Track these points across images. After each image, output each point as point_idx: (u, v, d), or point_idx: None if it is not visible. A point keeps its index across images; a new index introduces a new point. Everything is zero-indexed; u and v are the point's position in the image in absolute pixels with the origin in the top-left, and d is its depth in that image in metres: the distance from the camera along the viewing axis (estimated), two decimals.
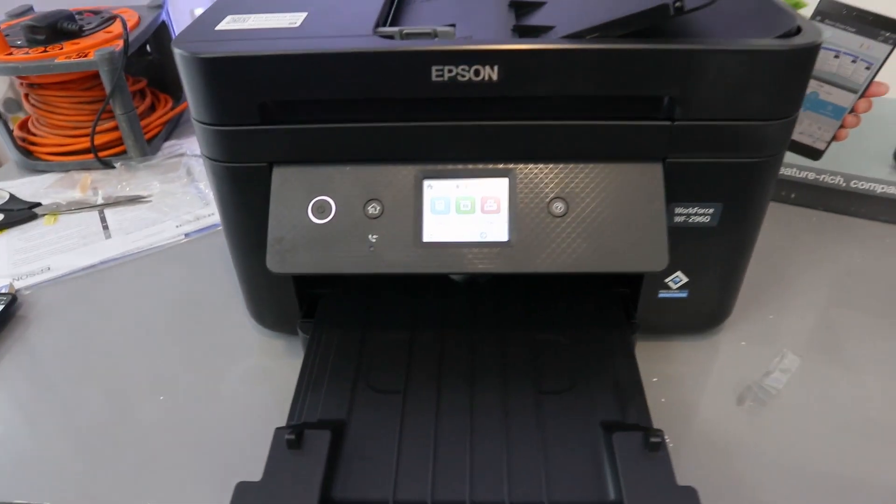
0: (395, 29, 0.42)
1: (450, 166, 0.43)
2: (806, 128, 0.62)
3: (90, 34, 0.75)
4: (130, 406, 0.50)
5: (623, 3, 0.40)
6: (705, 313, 0.52)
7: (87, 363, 0.54)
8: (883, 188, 0.63)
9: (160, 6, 0.84)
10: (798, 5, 0.57)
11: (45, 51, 0.72)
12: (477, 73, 0.39)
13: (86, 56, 0.71)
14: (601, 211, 0.42)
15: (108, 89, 0.72)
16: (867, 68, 0.58)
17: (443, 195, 0.43)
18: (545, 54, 0.38)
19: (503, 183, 0.43)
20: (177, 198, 0.72)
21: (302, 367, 0.47)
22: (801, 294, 0.58)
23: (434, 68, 0.39)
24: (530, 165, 0.43)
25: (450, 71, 0.39)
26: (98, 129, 0.76)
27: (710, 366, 0.52)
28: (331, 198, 0.43)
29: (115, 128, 0.77)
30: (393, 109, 0.41)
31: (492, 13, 0.47)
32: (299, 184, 0.43)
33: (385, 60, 0.39)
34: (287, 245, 0.43)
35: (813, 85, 0.60)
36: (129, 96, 0.74)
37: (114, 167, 0.76)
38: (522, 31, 0.43)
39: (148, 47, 0.87)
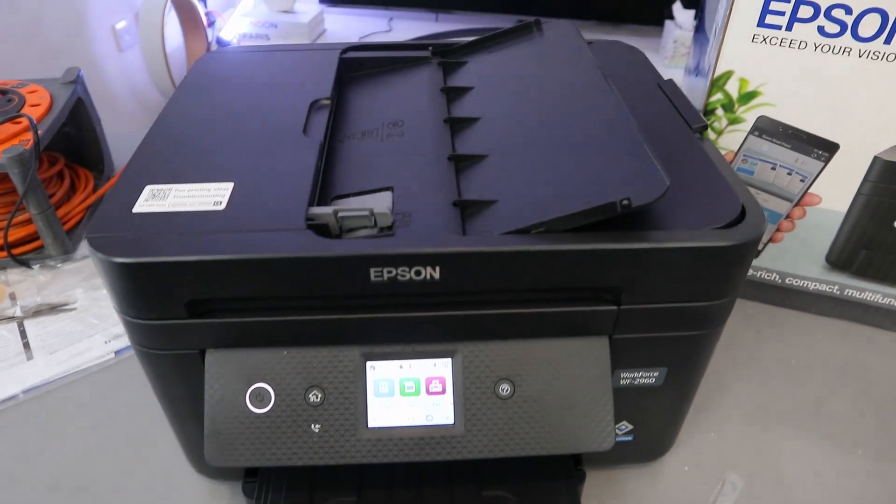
0: (329, 211, 0.40)
1: (393, 348, 0.42)
2: None
3: None
4: None
5: (568, 184, 0.39)
6: (649, 449, 0.52)
7: None
8: (815, 285, 0.65)
9: (75, 81, 0.78)
10: (736, 120, 0.57)
11: None
12: (418, 273, 0.37)
13: None
14: (547, 390, 0.42)
15: (20, 191, 0.67)
16: (801, 181, 0.59)
17: (386, 377, 0.42)
18: (488, 256, 0.37)
19: (447, 363, 0.42)
20: (103, 307, 0.67)
21: None
22: (741, 405, 0.59)
23: (373, 270, 0.37)
24: (475, 344, 0.42)
25: (389, 272, 0.37)
26: (12, 222, 0.70)
27: (655, 497, 0.52)
28: (269, 385, 0.41)
29: (31, 220, 0.72)
30: (331, 302, 0.39)
31: (430, 172, 0.45)
32: (235, 371, 0.41)
33: (320, 265, 0.37)
34: (225, 438, 0.41)
35: (752, 192, 0.61)
36: (45, 194, 0.69)
37: (31, 268, 0.71)
38: (464, 206, 0.41)
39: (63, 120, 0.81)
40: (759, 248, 0.64)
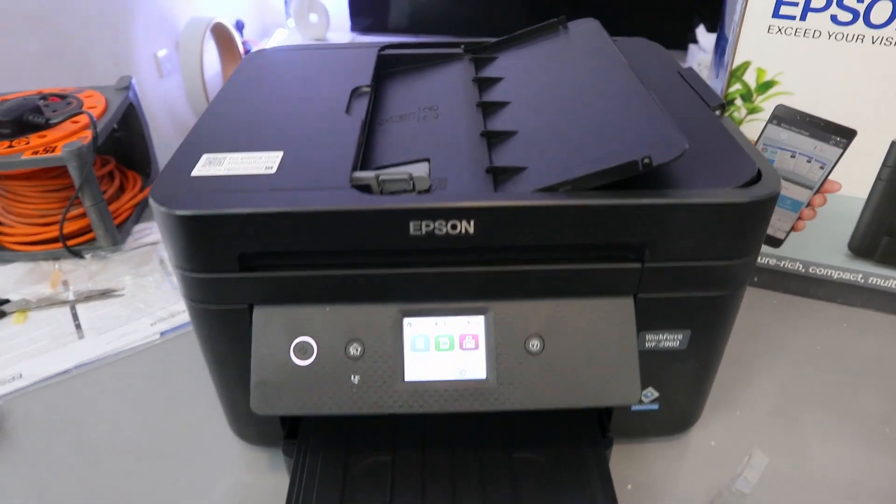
0: (371, 175, 0.43)
1: (429, 305, 0.44)
2: None
3: (56, 125, 0.74)
4: None
5: (593, 148, 0.42)
6: (675, 420, 0.53)
7: (62, 482, 0.53)
8: (839, 274, 0.66)
9: (127, 87, 0.84)
10: (755, 110, 0.59)
11: (10, 146, 0.71)
12: (454, 227, 0.40)
13: (53, 150, 0.70)
14: (575, 347, 0.44)
15: (76, 184, 0.71)
16: (821, 168, 0.61)
17: (422, 333, 0.44)
18: (519, 211, 0.40)
19: (480, 320, 0.44)
20: (150, 293, 0.71)
21: (288, 494, 0.48)
22: (765, 384, 0.60)
23: (412, 223, 0.40)
24: (507, 303, 0.44)
25: (427, 226, 0.40)
26: (67, 216, 0.75)
27: (681, 470, 0.53)
28: (312, 339, 0.44)
29: (84, 214, 0.76)
30: (371, 257, 0.42)
31: (464, 146, 0.48)
32: (280, 325, 0.44)
33: (362, 218, 0.40)
34: (270, 388, 0.44)
35: None
36: (98, 188, 0.74)
37: (83, 257, 0.75)
38: (497, 173, 0.44)
39: (115, 125, 0.86)
40: (782, 237, 0.66)
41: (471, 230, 0.40)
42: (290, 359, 0.44)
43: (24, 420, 0.59)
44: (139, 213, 0.84)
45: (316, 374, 0.44)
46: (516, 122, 0.50)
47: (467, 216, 0.39)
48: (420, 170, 0.45)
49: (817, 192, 0.62)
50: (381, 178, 0.43)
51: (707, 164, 0.43)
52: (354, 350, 0.44)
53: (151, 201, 0.41)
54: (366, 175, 0.43)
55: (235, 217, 0.40)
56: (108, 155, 0.86)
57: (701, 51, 1.94)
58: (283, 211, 0.39)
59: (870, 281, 0.65)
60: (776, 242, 0.66)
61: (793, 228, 0.65)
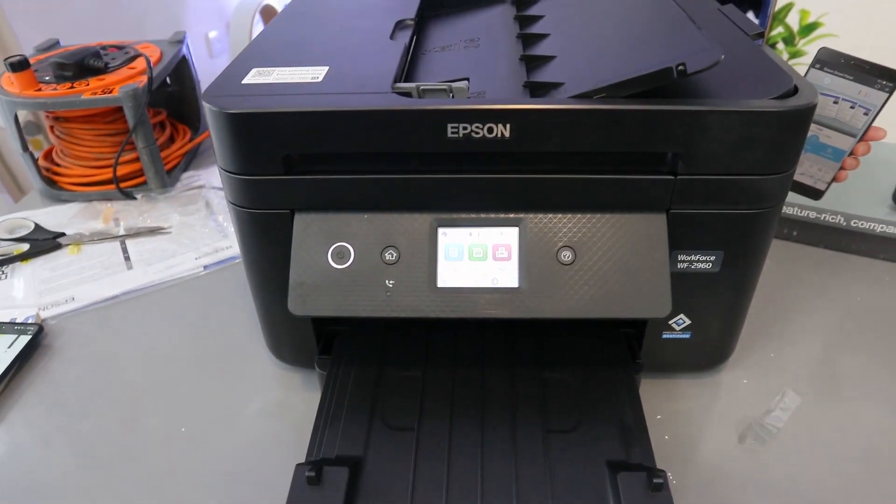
0: (412, 85, 0.44)
1: (463, 215, 0.45)
2: (807, 169, 0.64)
3: (114, 70, 0.77)
4: (151, 439, 0.52)
5: (629, 61, 0.43)
6: (708, 353, 0.53)
7: (109, 394, 0.56)
8: (882, 227, 0.65)
9: (181, 41, 0.87)
10: (798, 54, 0.59)
11: (71, 87, 0.74)
12: (490, 130, 0.41)
13: (111, 92, 0.74)
14: (607, 259, 0.44)
15: (131, 124, 0.75)
16: (865, 114, 0.60)
17: (456, 242, 0.45)
18: (554, 114, 0.40)
19: (514, 232, 0.45)
20: (196, 230, 0.74)
21: (320, 404, 0.49)
22: (802, 332, 0.60)
23: (450, 126, 0.41)
24: (540, 215, 0.45)
25: (464, 128, 0.41)
26: (120, 160, 0.78)
27: (712, 404, 0.53)
28: (350, 244, 0.45)
29: (136, 159, 0.80)
30: (409, 162, 0.44)
31: (503, 67, 0.49)
32: (320, 230, 0.46)
33: (403, 118, 0.41)
34: (308, 289, 0.45)
35: (813, 128, 0.63)
36: (151, 131, 0.77)
37: (135, 198, 0.79)
38: (533, 87, 0.45)
39: (168, 79, 0.90)
40: (822, 188, 0.65)
41: (506, 133, 0.41)
42: (329, 262, 0.45)
43: (73, 338, 0.62)
44: (188, 161, 0.88)
45: (352, 278, 0.45)
46: (556, 48, 0.50)
47: (503, 119, 0.40)
48: (460, 84, 0.46)
49: (861, 139, 0.61)
50: (420, 87, 0.44)
51: (743, 79, 0.43)
52: (390, 256, 0.45)
53: (203, 102, 0.43)
54: (407, 85, 0.44)
55: (282, 115, 0.41)
56: (160, 108, 0.89)
57: None
58: (327, 110, 0.41)
59: None
60: (817, 194, 0.65)
61: (834, 179, 0.64)
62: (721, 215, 0.44)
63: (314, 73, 0.46)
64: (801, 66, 0.60)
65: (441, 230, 0.46)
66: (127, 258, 0.71)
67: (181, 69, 0.88)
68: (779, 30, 0.59)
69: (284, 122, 0.42)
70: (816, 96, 0.41)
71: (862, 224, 0.65)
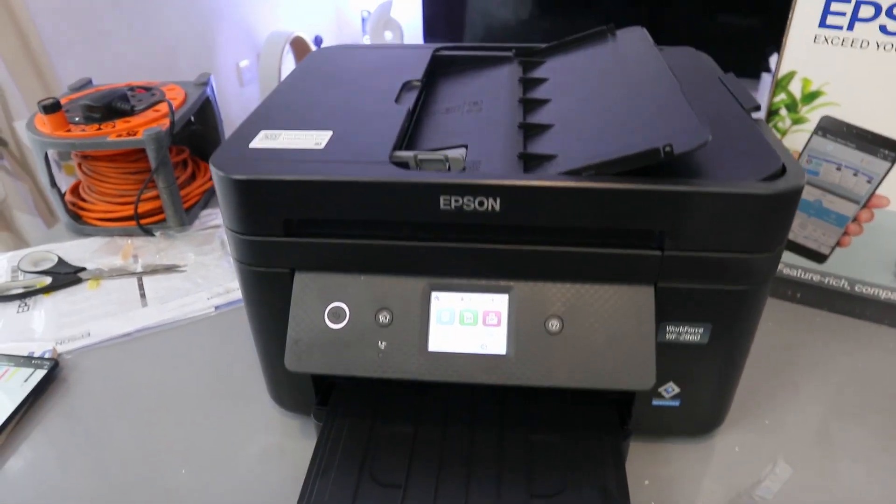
0: (411, 154, 0.46)
1: (456, 280, 0.47)
2: (811, 233, 0.65)
3: (140, 112, 0.81)
4: (154, 476, 0.54)
5: (619, 138, 0.44)
6: (698, 420, 0.53)
7: (119, 430, 0.58)
8: (887, 294, 0.64)
9: (205, 83, 0.91)
10: (800, 120, 0.59)
11: (99, 128, 0.78)
12: (481, 203, 0.42)
13: (135, 134, 0.77)
14: (593, 331, 0.45)
15: (153, 165, 0.78)
16: (868, 182, 0.60)
17: (448, 307, 0.47)
18: (543, 191, 0.42)
19: (503, 298, 0.46)
20: (209, 270, 0.76)
21: (313, 454, 0.51)
22: (800, 399, 0.59)
23: (442, 198, 0.42)
24: (530, 283, 0.46)
25: (456, 201, 0.42)
26: (141, 197, 0.81)
27: (701, 471, 0.53)
28: (346, 305, 0.47)
29: (157, 197, 0.83)
30: (404, 229, 0.45)
31: (502, 135, 0.51)
32: (317, 290, 0.47)
33: (396, 190, 0.43)
34: (304, 346, 0.47)
35: (817, 194, 0.63)
36: (172, 171, 0.80)
37: (153, 235, 0.82)
38: (527, 159, 0.47)
39: (192, 118, 0.93)
40: (826, 252, 0.65)
41: (497, 207, 0.42)
42: (325, 322, 0.47)
43: (86, 374, 0.65)
44: (207, 199, 0.91)
45: (347, 338, 0.47)
46: (554, 116, 0.52)
47: (494, 193, 0.42)
48: (457, 153, 0.48)
49: (864, 206, 0.61)
50: (418, 157, 0.46)
51: (732, 158, 0.44)
52: (384, 318, 0.47)
53: (211, 166, 0.45)
54: (405, 154, 0.46)
55: (283, 183, 0.43)
56: (183, 146, 0.93)
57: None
58: (325, 180, 0.43)
59: None
60: (820, 258, 0.65)
61: (838, 244, 0.64)
62: (708, 290, 0.45)
63: (318, 139, 0.48)
64: (804, 132, 0.60)
65: (434, 294, 0.47)
66: (143, 295, 0.74)
67: (205, 109, 0.92)
68: (781, 96, 0.60)
69: (285, 189, 0.44)
70: (804, 179, 0.42)
71: (866, 289, 0.65)
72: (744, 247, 0.43)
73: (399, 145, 0.48)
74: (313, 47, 2.19)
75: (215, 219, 0.86)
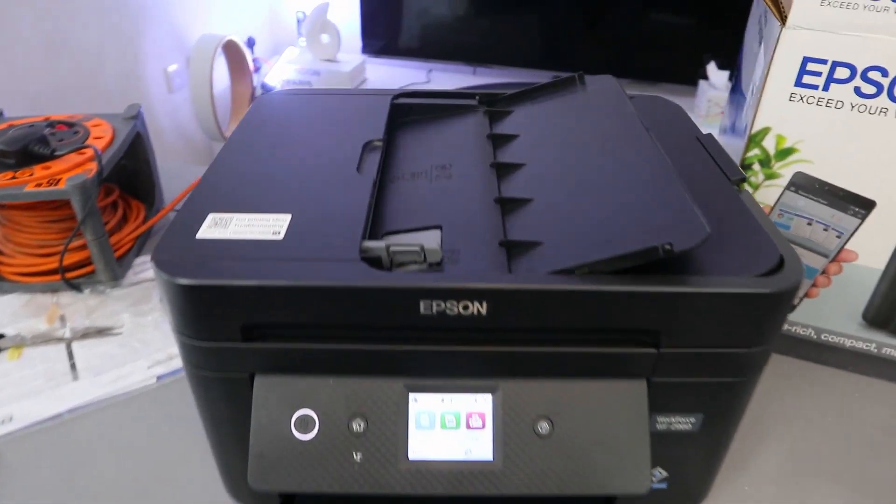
0: (382, 244, 0.42)
1: (435, 381, 0.43)
2: None
3: (62, 156, 0.73)
4: None
5: (612, 230, 0.41)
6: (683, 499, 0.52)
7: None
8: (852, 342, 0.65)
9: (135, 117, 0.83)
10: (773, 176, 0.58)
11: (14, 176, 0.70)
12: (465, 308, 0.39)
13: (57, 183, 0.69)
14: (585, 431, 0.42)
15: (79, 217, 0.70)
16: (838, 237, 0.59)
17: (428, 409, 0.43)
18: (534, 294, 0.38)
19: (488, 398, 0.43)
20: (147, 332, 0.70)
21: None
22: (774, 459, 0.59)
23: (423, 302, 0.38)
24: (516, 382, 0.43)
25: (438, 305, 0.38)
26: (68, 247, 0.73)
27: None
28: (314, 412, 0.42)
29: (84, 247, 0.75)
30: (379, 332, 0.41)
31: (477, 212, 0.47)
32: (282, 396, 0.43)
33: (371, 295, 0.38)
34: (269, 463, 0.42)
35: None
36: (101, 222, 0.72)
37: (81, 291, 0.74)
38: (510, 247, 0.43)
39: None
40: (795, 302, 0.65)
41: (483, 311, 0.39)
42: (292, 433, 0.42)
43: (13, 466, 0.57)
44: (140, 244, 0.83)
45: (317, 450, 0.42)
46: (531, 187, 0.48)
47: (480, 297, 0.38)
48: (432, 240, 0.44)
49: (833, 260, 0.61)
50: (391, 249, 0.42)
51: (728, 249, 0.42)
52: (357, 426, 0.42)
53: (153, 266, 0.40)
54: (375, 245, 0.42)
55: (239, 289, 0.38)
56: (112, 183, 0.84)
57: (711, 87, 1.94)
58: (289, 285, 0.38)
59: (883, 351, 0.64)
60: (789, 308, 0.65)
61: (807, 295, 0.64)
62: (702, 383, 0.43)
63: (276, 226, 0.43)
64: (776, 187, 0.59)
65: (412, 395, 0.43)
66: (73, 366, 0.66)
67: (136, 144, 0.84)
68: (755, 151, 0.58)
69: (242, 294, 0.39)
70: (802, 272, 0.40)
71: (832, 338, 0.65)
72: (741, 342, 0.41)
73: (367, 231, 0.43)
74: (246, 50, 2.08)
75: (151, 269, 0.79)
